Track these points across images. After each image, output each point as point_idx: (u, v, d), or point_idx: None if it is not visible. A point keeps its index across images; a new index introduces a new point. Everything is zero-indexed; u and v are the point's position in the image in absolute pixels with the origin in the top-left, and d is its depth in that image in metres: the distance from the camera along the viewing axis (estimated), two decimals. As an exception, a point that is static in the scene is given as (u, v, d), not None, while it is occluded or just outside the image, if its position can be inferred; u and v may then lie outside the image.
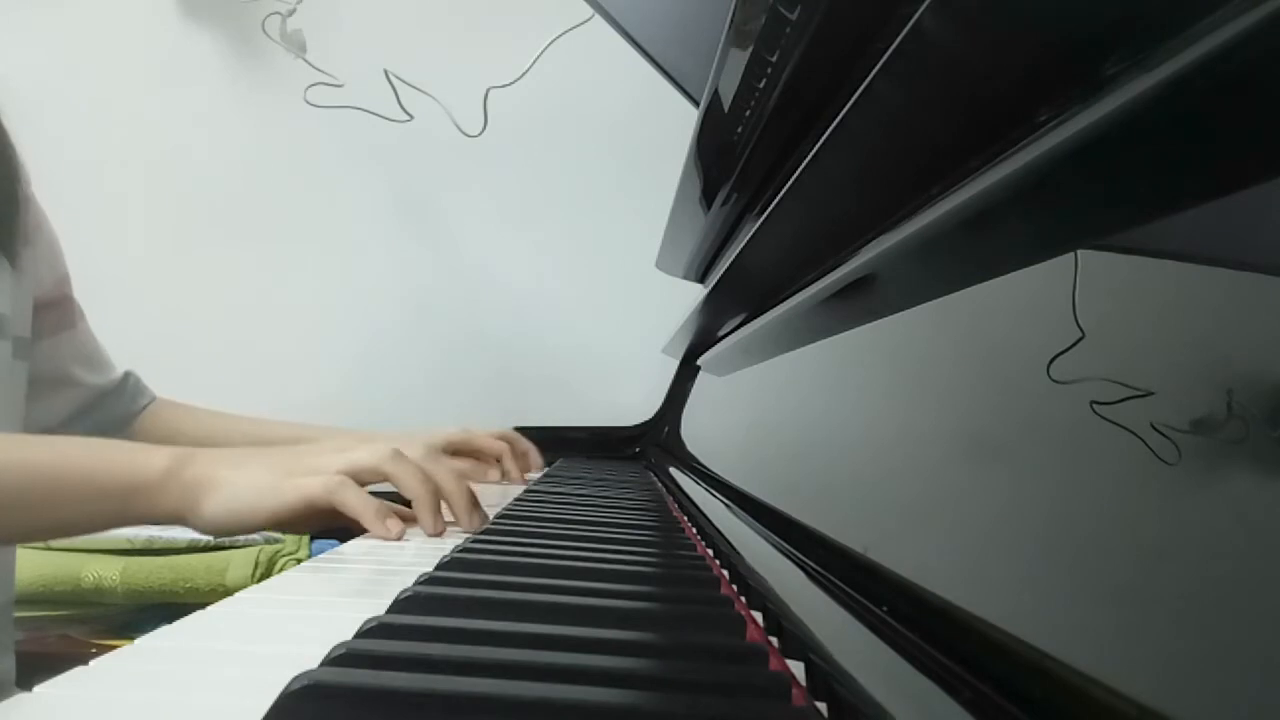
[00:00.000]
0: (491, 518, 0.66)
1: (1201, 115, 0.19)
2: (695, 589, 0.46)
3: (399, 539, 0.59)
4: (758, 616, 0.40)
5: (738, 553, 0.49)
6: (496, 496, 0.81)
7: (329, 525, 0.61)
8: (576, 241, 1.55)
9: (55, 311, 0.77)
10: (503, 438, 0.98)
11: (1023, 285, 0.28)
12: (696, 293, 0.96)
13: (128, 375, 0.86)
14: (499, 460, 0.97)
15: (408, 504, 0.62)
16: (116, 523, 0.60)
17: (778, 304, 0.60)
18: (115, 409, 0.84)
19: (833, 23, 0.45)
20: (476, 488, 0.67)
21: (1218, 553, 0.17)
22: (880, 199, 0.40)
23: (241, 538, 1.20)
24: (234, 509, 0.58)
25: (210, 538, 1.16)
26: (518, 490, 0.88)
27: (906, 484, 0.34)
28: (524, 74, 1.43)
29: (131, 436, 0.84)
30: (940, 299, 0.35)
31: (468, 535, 0.59)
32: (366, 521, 0.58)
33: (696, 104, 0.75)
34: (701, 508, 0.68)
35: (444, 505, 0.63)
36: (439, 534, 0.61)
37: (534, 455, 1.01)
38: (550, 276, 1.54)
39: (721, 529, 0.57)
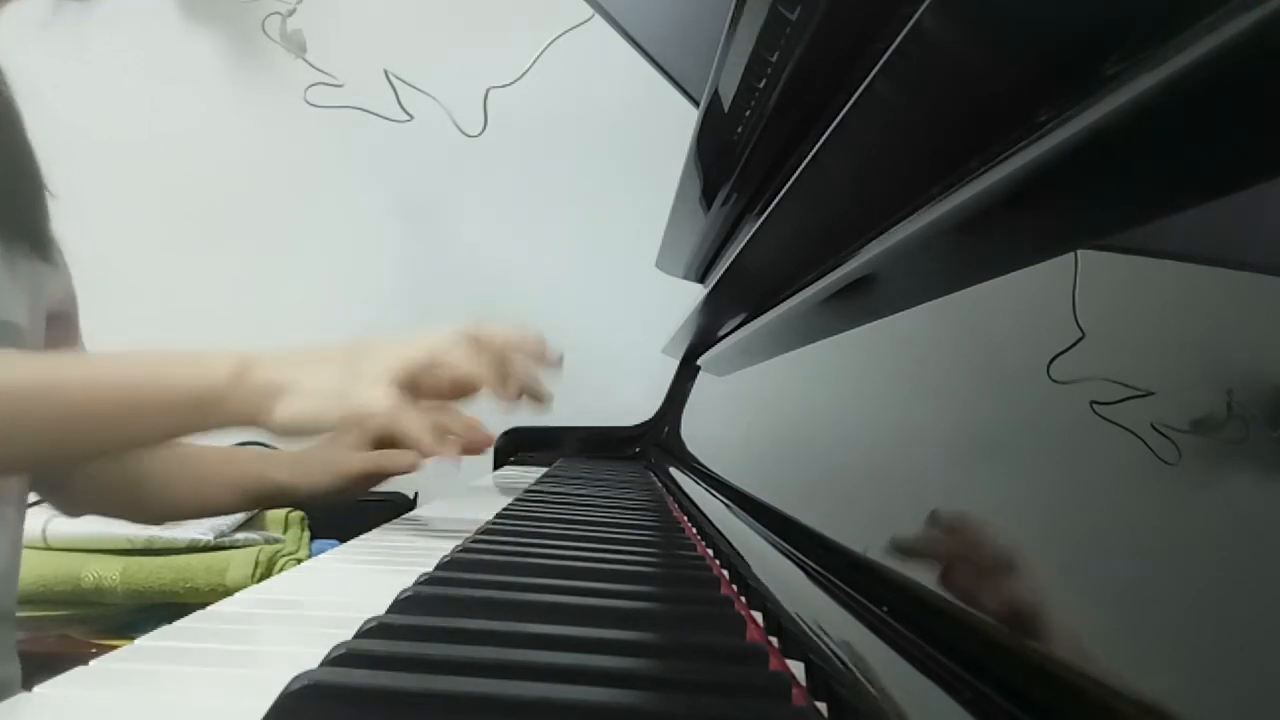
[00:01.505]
0: (491, 518, 0.66)
1: (1201, 115, 0.19)
2: (695, 589, 0.46)
3: (453, 458, 0.61)
4: (758, 616, 0.40)
5: (738, 553, 0.49)
6: (496, 497, 0.81)
7: (329, 524, 0.62)
8: (576, 241, 1.54)
9: (60, 328, 0.76)
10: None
11: (1023, 285, 0.28)
12: (696, 293, 0.96)
13: None
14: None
15: None
16: (187, 431, 0.61)
17: (778, 304, 0.60)
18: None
19: (833, 23, 0.45)
20: None
21: (1218, 553, 0.17)
22: (880, 199, 0.40)
23: (241, 537, 1.20)
24: (304, 412, 0.58)
25: (212, 537, 1.17)
26: (516, 490, 0.88)
27: (906, 484, 0.34)
28: (524, 74, 1.43)
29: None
30: (940, 299, 0.35)
31: (468, 536, 0.59)
32: (423, 444, 0.59)
33: (696, 104, 0.75)
34: (701, 508, 0.68)
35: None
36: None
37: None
38: (550, 276, 1.54)
39: (721, 529, 0.57)
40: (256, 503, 0.86)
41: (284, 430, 0.59)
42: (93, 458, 0.69)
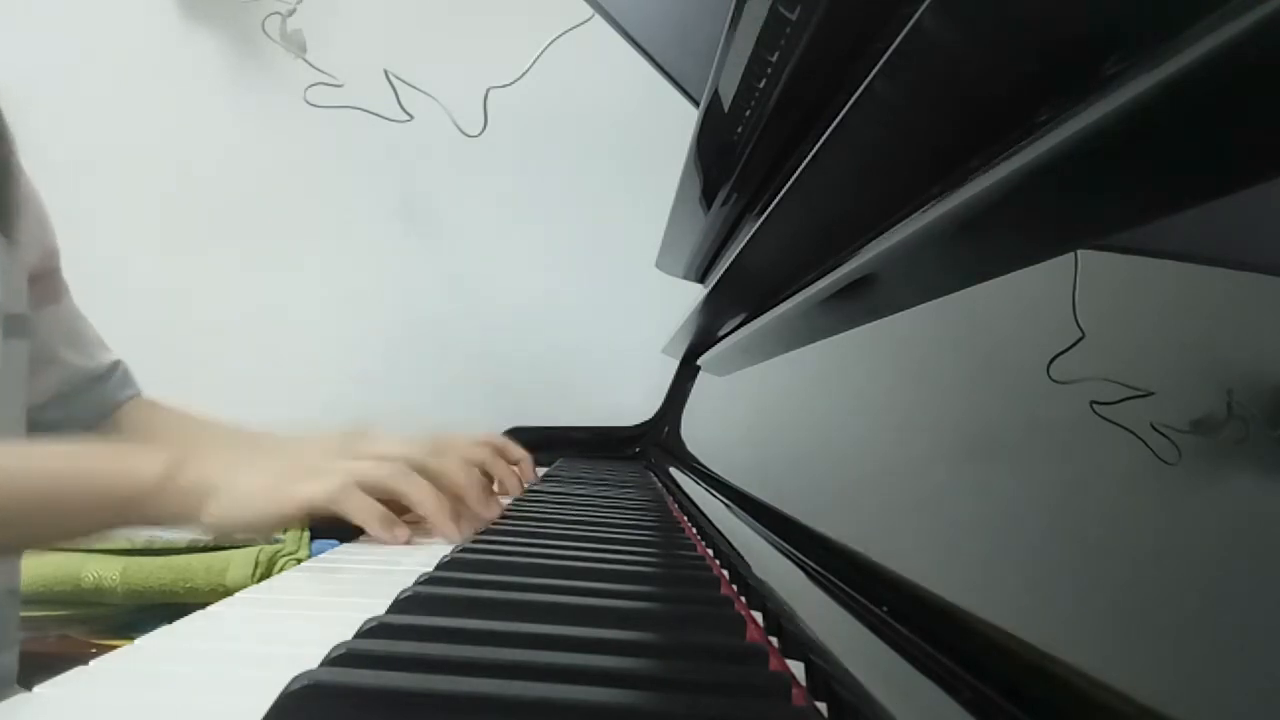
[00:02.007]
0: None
1: (1201, 115, 0.19)
2: (695, 589, 0.46)
3: (407, 543, 0.59)
4: (758, 616, 0.40)
5: (738, 553, 0.49)
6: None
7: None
8: (576, 241, 1.54)
9: (40, 285, 0.75)
10: (488, 444, 0.86)
11: (1023, 285, 0.28)
12: (696, 293, 0.96)
13: (116, 364, 0.84)
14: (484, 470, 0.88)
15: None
16: (115, 527, 0.60)
17: (778, 304, 0.60)
18: (99, 396, 0.82)
19: (833, 23, 0.45)
20: None
21: (1218, 553, 0.17)
22: (880, 199, 0.40)
23: (241, 537, 1.20)
24: (235, 514, 0.57)
25: (210, 538, 1.16)
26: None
27: (906, 484, 0.34)
28: (524, 74, 1.43)
29: (108, 430, 0.83)
30: (940, 299, 0.35)
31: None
32: (373, 531, 0.58)
33: (696, 104, 0.75)
34: (701, 508, 0.68)
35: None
36: (459, 539, 0.60)
37: (527, 465, 0.91)
38: (550, 276, 1.54)
39: (721, 529, 0.57)
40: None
41: (215, 529, 0.58)
42: (14, 552, 0.68)
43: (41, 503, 0.56)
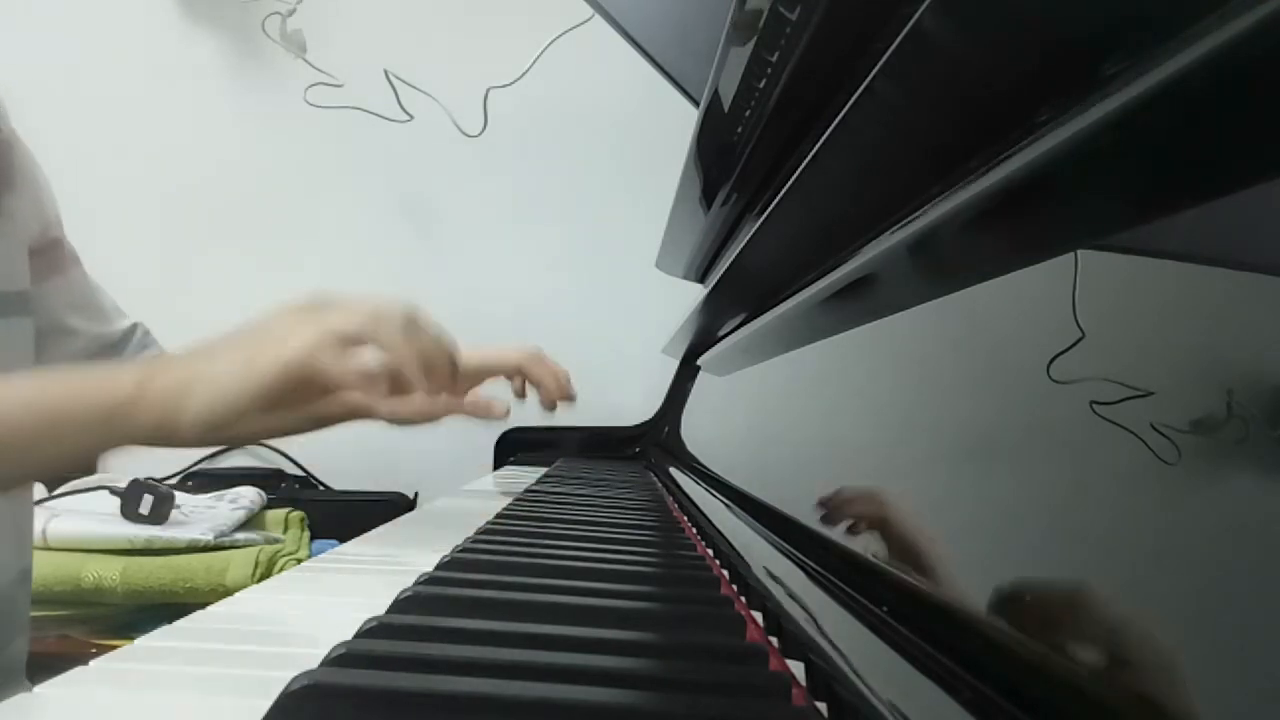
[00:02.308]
0: (491, 517, 0.66)
1: (1201, 115, 0.19)
2: (695, 589, 0.46)
3: (391, 416, 0.54)
4: (758, 616, 0.40)
5: (738, 553, 0.49)
6: (496, 497, 0.81)
7: (320, 412, 0.56)
8: (576, 241, 1.55)
9: (43, 258, 0.72)
10: (523, 350, 0.81)
11: (1023, 285, 0.28)
12: (696, 293, 0.96)
13: (135, 326, 0.82)
14: (519, 376, 0.80)
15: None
16: (101, 451, 0.56)
17: (778, 304, 0.60)
18: (119, 359, 0.79)
19: (833, 23, 0.45)
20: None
21: (1218, 553, 0.17)
22: (880, 199, 0.40)
23: (241, 538, 1.20)
24: (215, 401, 0.53)
25: (212, 537, 1.16)
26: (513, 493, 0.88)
27: (906, 484, 0.34)
28: (524, 74, 1.43)
29: None
30: (940, 299, 0.35)
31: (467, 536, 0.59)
32: (349, 388, 0.53)
33: (696, 104, 0.75)
34: (701, 508, 0.68)
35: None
36: (435, 413, 0.56)
37: (562, 373, 0.82)
38: (550, 276, 1.54)
39: (721, 529, 0.57)
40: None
41: (199, 429, 0.53)
42: (4, 483, 0.64)
43: (27, 427, 0.53)
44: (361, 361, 0.53)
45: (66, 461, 0.57)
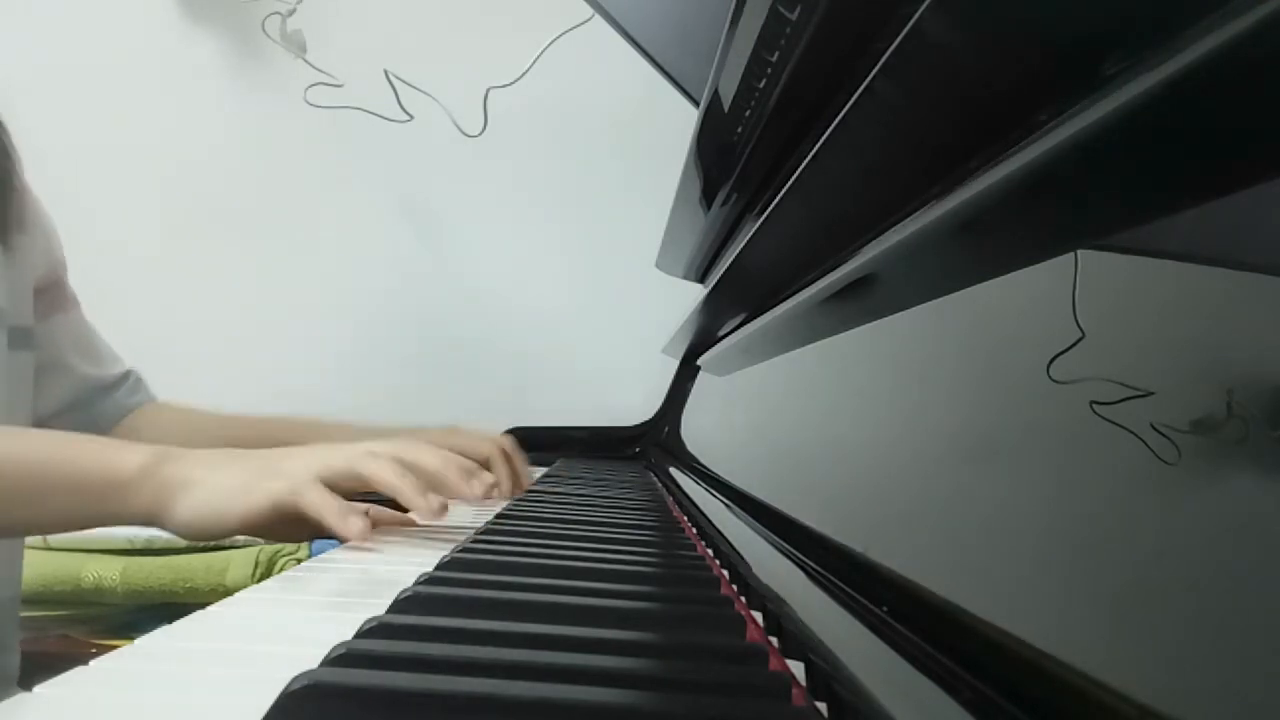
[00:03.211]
0: (491, 517, 0.66)
1: (1201, 115, 0.19)
2: (695, 589, 0.46)
3: (360, 538, 0.57)
4: (758, 616, 0.40)
5: (738, 553, 0.49)
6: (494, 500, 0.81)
7: (306, 532, 0.60)
8: (576, 241, 1.54)
9: (47, 296, 0.75)
10: (494, 442, 0.87)
11: (1023, 285, 0.28)
12: (696, 293, 0.96)
13: (128, 373, 0.85)
14: (486, 465, 0.87)
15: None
16: (91, 522, 0.59)
17: (778, 304, 0.60)
18: (111, 404, 0.82)
19: (833, 23, 0.45)
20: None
21: (1218, 553, 0.17)
22: (880, 199, 0.40)
23: (241, 537, 1.20)
24: (204, 511, 0.57)
25: (183, 540, 1.16)
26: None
27: (906, 484, 0.34)
28: (524, 74, 1.43)
29: (118, 433, 0.83)
30: (940, 299, 0.35)
31: (467, 534, 0.59)
32: (328, 520, 0.56)
33: (696, 104, 0.75)
34: (701, 508, 0.68)
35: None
36: (438, 515, 0.59)
37: (524, 472, 0.89)
38: (550, 276, 1.54)
39: (721, 529, 0.57)
40: None
41: (183, 529, 0.57)
42: None
43: (15, 488, 0.56)
44: (336, 499, 0.57)
45: (53, 522, 0.61)
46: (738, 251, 0.66)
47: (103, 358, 0.84)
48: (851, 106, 0.36)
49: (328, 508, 0.56)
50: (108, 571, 1.12)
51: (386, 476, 0.58)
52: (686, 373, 1.25)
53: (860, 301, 0.45)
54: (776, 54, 0.51)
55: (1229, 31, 0.17)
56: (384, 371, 1.52)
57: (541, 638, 0.33)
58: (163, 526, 0.58)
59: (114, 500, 0.56)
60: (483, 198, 1.55)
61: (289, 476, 0.57)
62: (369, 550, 0.58)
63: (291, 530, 0.59)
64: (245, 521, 0.57)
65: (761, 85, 0.55)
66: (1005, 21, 0.27)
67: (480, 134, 1.45)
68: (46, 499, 0.57)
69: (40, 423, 0.73)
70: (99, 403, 0.82)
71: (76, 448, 0.59)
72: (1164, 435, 0.19)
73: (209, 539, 0.58)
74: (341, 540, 0.58)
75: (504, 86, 1.44)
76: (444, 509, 0.59)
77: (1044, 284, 0.27)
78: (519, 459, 0.86)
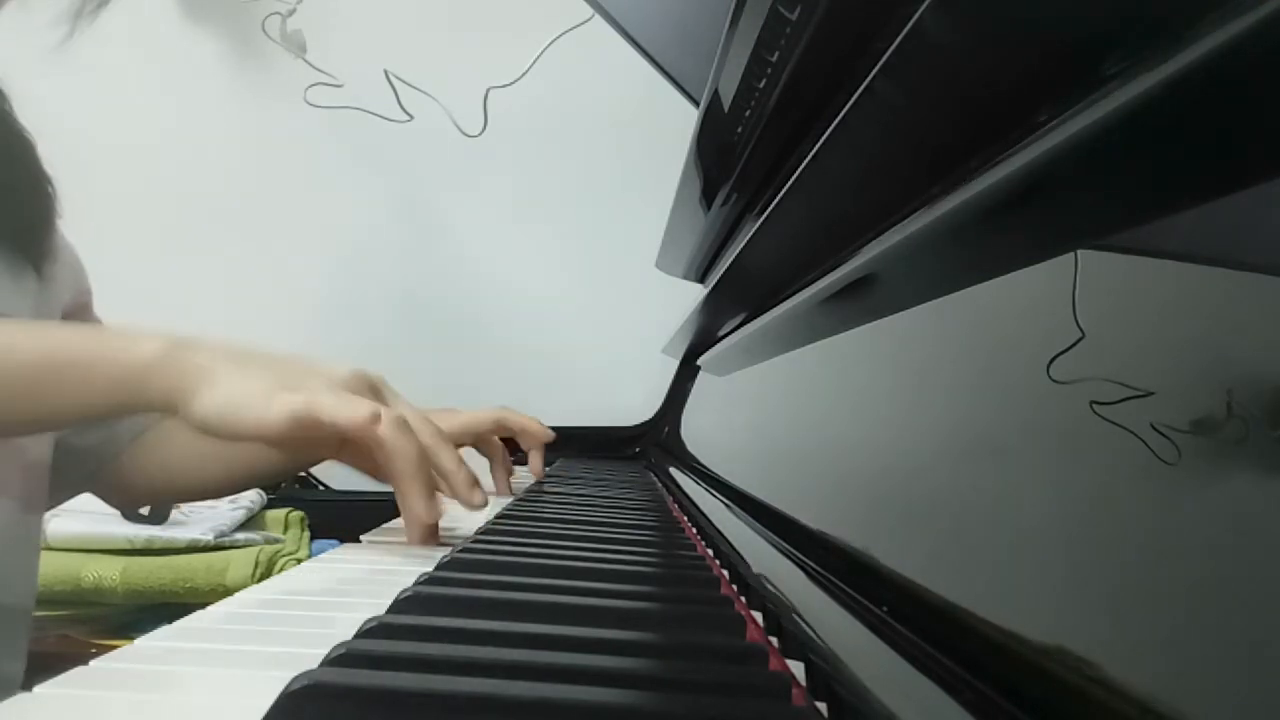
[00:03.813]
0: (491, 517, 0.66)
1: (1201, 115, 0.19)
2: (695, 589, 0.46)
3: (369, 431, 0.53)
4: (758, 616, 0.40)
5: (738, 553, 0.49)
6: (496, 497, 0.81)
7: (327, 451, 0.57)
8: (576, 241, 1.55)
9: (74, 321, 0.75)
10: (498, 419, 0.91)
11: (1023, 285, 0.28)
12: (696, 293, 0.96)
13: None
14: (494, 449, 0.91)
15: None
16: (105, 411, 0.56)
17: (778, 304, 0.60)
18: (122, 425, 0.81)
19: (833, 23, 0.45)
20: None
21: (1218, 553, 0.17)
22: (880, 199, 0.40)
23: (241, 538, 1.20)
24: (224, 410, 0.52)
25: (212, 537, 1.16)
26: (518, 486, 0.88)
27: (906, 484, 0.34)
28: (524, 74, 1.43)
29: (135, 449, 0.82)
30: (940, 299, 0.35)
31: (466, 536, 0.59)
32: (352, 424, 0.52)
33: (696, 104, 0.75)
34: (701, 508, 0.68)
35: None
36: (432, 521, 0.57)
37: (535, 428, 0.95)
38: (550, 276, 1.55)
39: (721, 529, 0.57)
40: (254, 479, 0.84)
41: (198, 422, 0.53)
42: (3, 433, 0.62)
43: (34, 371, 0.53)
44: (357, 403, 0.53)
45: (70, 414, 0.56)
46: (738, 251, 0.66)
47: None
48: (851, 106, 0.36)
49: (349, 411, 0.52)
50: (108, 571, 1.12)
51: (405, 464, 0.54)
52: (686, 373, 1.25)
53: (860, 301, 0.45)
54: (776, 54, 0.51)
55: (1229, 31, 0.17)
56: (383, 371, 1.52)
57: (541, 638, 0.33)
58: (179, 415, 0.54)
59: (130, 387, 0.53)
60: (483, 197, 1.55)
61: (310, 389, 0.53)
62: (368, 550, 0.58)
63: (310, 450, 0.56)
64: (259, 430, 0.52)
65: (761, 85, 0.55)
66: (1005, 21, 0.27)
67: (480, 134, 1.45)
68: (56, 390, 0.53)
69: (64, 442, 0.73)
70: (110, 425, 0.80)
71: (84, 335, 0.56)
72: (1164, 435, 0.19)
73: (225, 437, 0.53)
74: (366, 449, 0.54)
75: (504, 86, 1.44)
76: (439, 515, 0.58)
77: (1044, 284, 0.27)
78: (518, 422, 0.92)
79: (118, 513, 1.16)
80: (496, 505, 0.74)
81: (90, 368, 0.54)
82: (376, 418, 0.53)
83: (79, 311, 0.77)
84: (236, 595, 0.44)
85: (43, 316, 0.69)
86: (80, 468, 0.76)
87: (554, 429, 1.33)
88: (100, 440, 0.78)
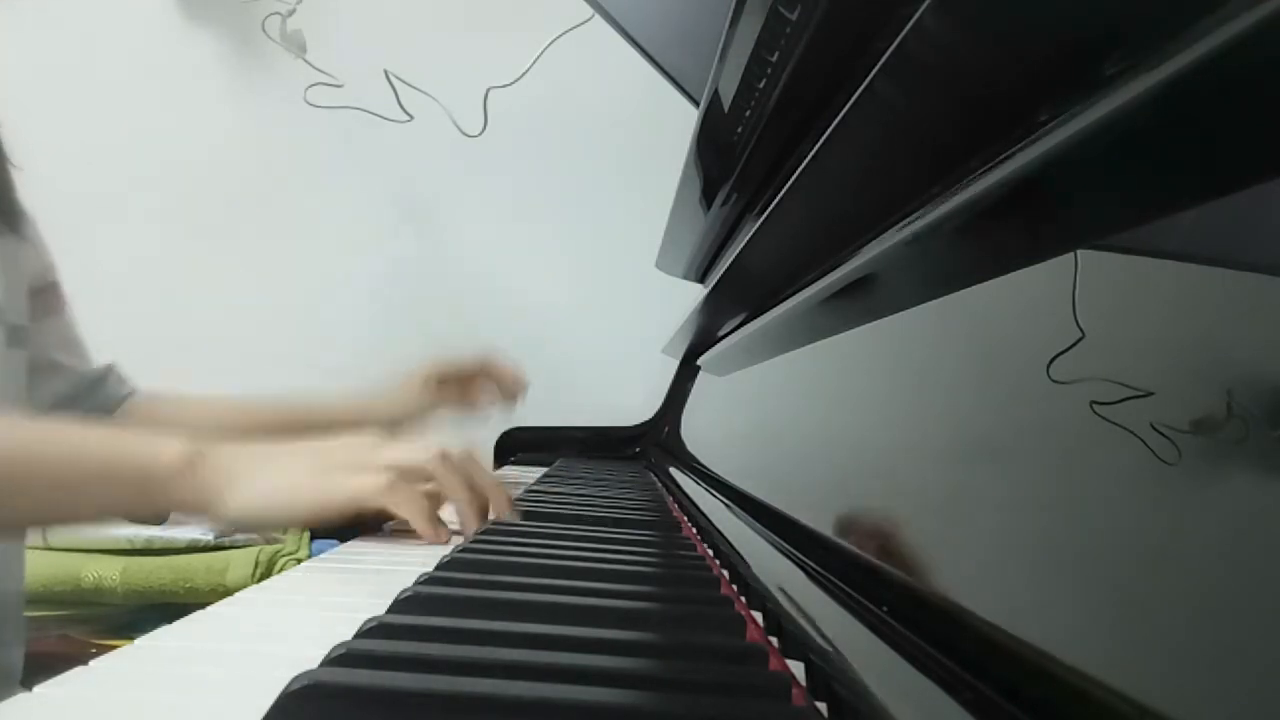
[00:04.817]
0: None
1: (1201, 115, 0.19)
2: (695, 589, 0.46)
3: (447, 543, 0.58)
4: (758, 616, 0.40)
5: (738, 553, 0.49)
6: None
7: (354, 522, 0.60)
8: (576, 241, 1.54)
9: (41, 298, 0.76)
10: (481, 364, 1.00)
11: (1023, 285, 0.28)
12: (696, 293, 0.96)
13: (110, 366, 0.86)
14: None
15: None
16: (128, 513, 0.58)
17: (778, 304, 0.60)
18: (101, 397, 0.83)
19: (833, 23, 0.45)
20: None
21: (1218, 553, 0.17)
22: (880, 199, 0.40)
23: (241, 537, 1.19)
24: (260, 505, 0.55)
25: (212, 537, 1.16)
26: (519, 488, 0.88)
27: (906, 484, 0.34)
28: (524, 74, 1.43)
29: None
30: (940, 299, 0.35)
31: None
32: (420, 526, 0.57)
33: (696, 104, 0.75)
34: (701, 508, 0.68)
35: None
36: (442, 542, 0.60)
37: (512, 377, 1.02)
38: (550, 276, 1.54)
39: (721, 529, 0.57)
40: None
41: (237, 519, 0.56)
42: (26, 526, 0.65)
43: (56, 473, 0.55)
44: (426, 502, 0.58)
45: (93, 512, 0.59)
46: (738, 251, 0.66)
47: (86, 353, 0.84)
48: (851, 106, 0.36)
49: (421, 513, 0.57)
50: (108, 571, 1.12)
51: (458, 487, 0.60)
52: (686, 373, 1.25)
53: (860, 301, 0.45)
54: (776, 54, 0.51)
55: (1228, 32, 0.17)
56: (383, 370, 1.52)
57: (541, 638, 0.33)
58: (209, 517, 0.56)
59: (153, 491, 0.55)
60: (483, 197, 1.55)
61: (371, 473, 0.56)
62: (368, 550, 0.58)
63: (342, 520, 0.59)
64: (318, 515, 0.56)
65: (761, 85, 0.55)
66: (1005, 21, 0.27)
67: (480, 134, 1.45)
68: (77, 493, 0.55)
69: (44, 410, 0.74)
70: (90, 397, 0.82)
71: (112, 437, 0.58)
72: (1164, 435, 0.19)
73: (264, 529, 0.57)
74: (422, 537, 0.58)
75: (504, 86, 1.44)
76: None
77: (1044, 284, 0.27)
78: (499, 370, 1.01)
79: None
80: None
81: (111, 473, 0.55)
82: (433, 517, 0.58)
83: (48, 290, 0.78)
84: (236, 595, 0.44)
85: (10, 289, 0.69)
86: None
87: (554, 429, 1.33)
88: (84, 410, 0.79)
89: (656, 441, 1.28)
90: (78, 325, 0.84)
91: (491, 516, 0.63)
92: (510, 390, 1.02)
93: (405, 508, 0.57)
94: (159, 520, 0.59)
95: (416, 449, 0.60)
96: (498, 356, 1.01)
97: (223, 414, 0.87)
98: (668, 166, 0.90)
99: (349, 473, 0.56)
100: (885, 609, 0.31)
